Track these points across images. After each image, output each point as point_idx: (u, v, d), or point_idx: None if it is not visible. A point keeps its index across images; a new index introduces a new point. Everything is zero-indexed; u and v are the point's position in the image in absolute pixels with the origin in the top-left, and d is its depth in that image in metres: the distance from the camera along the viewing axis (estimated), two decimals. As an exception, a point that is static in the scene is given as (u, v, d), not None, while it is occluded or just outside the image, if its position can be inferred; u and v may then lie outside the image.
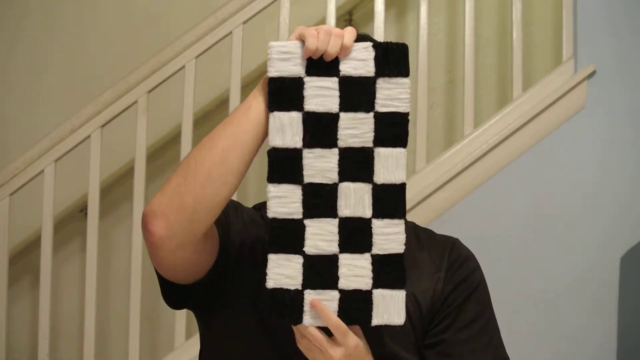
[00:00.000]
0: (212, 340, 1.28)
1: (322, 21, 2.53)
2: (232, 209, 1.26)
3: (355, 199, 1.09)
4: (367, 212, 1.09)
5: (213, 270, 1.19)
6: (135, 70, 2.48)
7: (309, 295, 1.07)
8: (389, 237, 1.09)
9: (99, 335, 2.50)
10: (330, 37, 1.07)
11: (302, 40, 1.08)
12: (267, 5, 2.47)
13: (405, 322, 1.16)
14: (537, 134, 2.42)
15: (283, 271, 1.07)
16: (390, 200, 1.09)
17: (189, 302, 1.25)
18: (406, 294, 1.16)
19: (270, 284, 1.07)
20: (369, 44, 1.09)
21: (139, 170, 2.46)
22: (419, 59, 2.48)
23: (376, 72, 1.09)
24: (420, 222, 1.36)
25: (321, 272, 1.08)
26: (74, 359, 2.84)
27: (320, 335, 1.07)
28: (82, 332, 2.48)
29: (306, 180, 1.08)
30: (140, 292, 2.43)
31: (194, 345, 2.33)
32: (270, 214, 1.08)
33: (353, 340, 1.08)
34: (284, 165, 1.08)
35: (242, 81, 2.47)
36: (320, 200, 1.08)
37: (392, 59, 1.10)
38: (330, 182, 1.09)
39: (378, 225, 1.09)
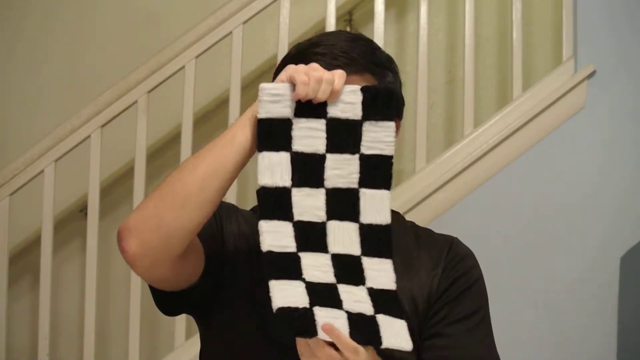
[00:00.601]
0: (212, 340, 1.28)
1: (322, 21, 2.53)
2: (225, 210, 1.26)
3: (343, 237, 1.10)
4: (356, 250, 1.10)
5: (206, 274, 1.19)
6: (135, 70, 2.48)
7: (319, 312, 1.05)
8: (379, 273, 1.10)
9: (99, 335, 2.50)
10: (321, 84, 1.08)
11: (293, 83, 1.08)
12: (267, 5, 2.47)
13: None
14: (537, 134, 2.42)
15: (287, 293, 1.06)
16: (376, 240, 1.10)
17: (184, 308, 1.25)
18: (404, 293, 1.16)
19: (279, 303, 1.05)
20: (357, 87, 1.11)
21: (139, 170, 2.46)
22: (419, 59, 2.48)
23: (363, 116, 1.10)
24: (420, 222, 1.36)
25: (324, 295, 1.07)
26: (74, 359, 2.84)
27: (337, 355, 1.05)
28: (82, 332, 2.48)
29: (296, 217, 1.09)
30: (140, 292, 2.43)
31: (194, 345, 2.33)
32: (265, 247, 1.07)
33: (363, 354, 1.07)
34: (274, 203, 1.09)
35: (242, 81, 2.47)
36: (311, 237, 1.09)
37: (379, 103, 1.11)
38: (319, 221, 1.10)
39: (367, 262, 1.10)
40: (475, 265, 1.26)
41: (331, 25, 2.46)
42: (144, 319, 2.51)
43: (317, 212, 1.10)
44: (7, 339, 2.50)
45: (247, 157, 1.11)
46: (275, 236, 1.08)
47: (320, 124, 1.10)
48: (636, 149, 2.41)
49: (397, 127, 1.26)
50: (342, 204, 1.10)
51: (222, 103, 2.84)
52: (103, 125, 2.48)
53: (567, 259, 2.36)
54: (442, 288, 1.21)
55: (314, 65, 1.09)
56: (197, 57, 2.47)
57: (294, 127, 1.09)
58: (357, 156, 1.10)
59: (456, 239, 1.29)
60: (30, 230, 2.87)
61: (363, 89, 1.10)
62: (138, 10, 3.03)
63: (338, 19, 2.64)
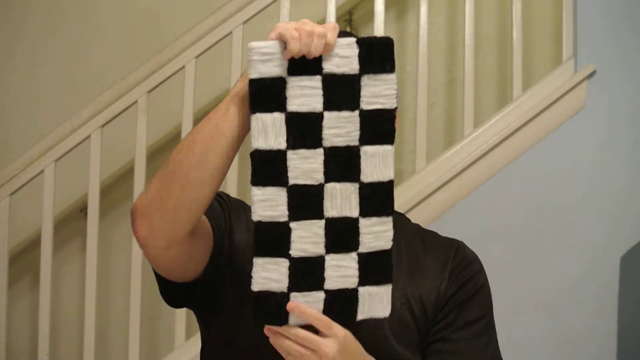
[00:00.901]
0: (212, 340, 1.28)
1: (322, 21, 2.52)
2: (234, 205, 1.25)
3: (341, 200, 1.07)
4: (354, 212, 1.07)
5: (209, 269, 1.19)
6: (135, 70, 2.48)
7: (295, 298, 1.06)
8: (376, 235, 1.08)
9: (99, 335, 2.50)
10: (313, 38, 1.03)
11: (283, 41, 1.05)
12: (267, 5, 2.47)
13: (409, 322, 1.16)
14: (537, 134, 2.42)
15: (269, 275, 1.06)
16: (377, 199, 1.07)
17: (188, 301, 1.25)
18: (412, 296, 1.17)
19: (256, 287, 1.06)
20: (353, 40, 1.06)
21: (139, 170, 2.46)
22: (419, 59, 2.48)
23: (360, 70, 1.06)
24: (420, 222, 1.36)
25: (307, 274, 1.06)
26: (74, 359, 2.84)
27: (308, 333, 1.05)
28: (82, 332, 2.48)
29: (291, 182, 1.06)
30: (140, 292, 2.43)
31: (194, 345, 2.33)
32: (255, 217, 1.06)
33: (340, 330, 1.07)
34: (267, 168, 1.05)
35: (242, 81, 2.47)
36: (306, 202, 1.06)
37: (377, 55, 1.06)
38: (315, 183, 1.06)
39: (365, 224, 1.08)
40: (481, 270, 1.27)
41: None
42: (144, 318, 2.51)
43: (314, 174, 1.06)
44: (7, 339, 2.50)
45: (244, 132, 1.09)
46: (268, 204, 1.05)
47: (315, 81, 1.05)
48: (636, 148, 2.41)
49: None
50: (342, 164, 1.07)
51: (222, 103, 2.83)
52: (103, 125, 2.48)
53: (567, 259, 2.36)
54: (449, 293, 1.22)
55: (305, 20, 1.06)
56: (197, 57, 2.47)
57: (287, 86, 1.05)
58: (356, 113, 1.06)
59: (462, 242, 1.29)
60: (30, 230, 2.87)
61: (359, 41, 1.06)
62: (138, 10, 3.03)
63: (338, 19, 2.64)
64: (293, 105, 1.05)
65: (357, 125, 1.06)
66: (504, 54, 2.79)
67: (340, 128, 1.06)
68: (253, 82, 1.04)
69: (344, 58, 1.06)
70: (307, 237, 1.07)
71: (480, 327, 1.22)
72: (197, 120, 2.56)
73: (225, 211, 1.23)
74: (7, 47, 3.04)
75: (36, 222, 2.59)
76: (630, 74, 2.44)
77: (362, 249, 1.08)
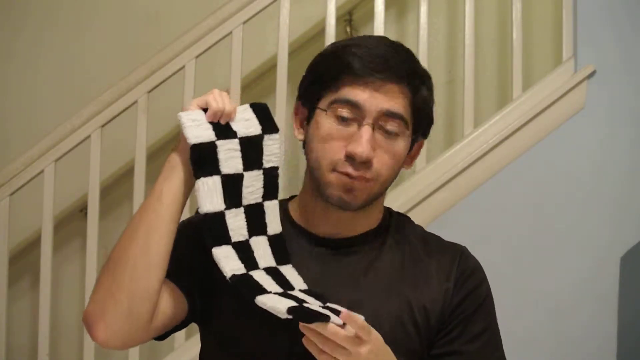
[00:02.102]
0: (212, 340, 1.28)
1: (322, 21, 2.53)
2: (185, 237, 1.23)
3: (264, 251, 1.17)
4: (273, 262, 1.18)
5: (193, 307, 1.21)
6: (135, 70, 2.48)
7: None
8: (291, 277, 1.18)
9: (99, 335, 2.49)
10: (223, 96, 1.15)
11: (203, 108, 1.15)
12: (267, 5, 2.47)
13: (411, 331, 1.18)
14: (537, 134, 2.42)
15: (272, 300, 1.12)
16: (280, 249, 1.18)
17: (178, 329, 1.26)
18: (416, 306, 1.19)
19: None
20: (247, 105, 1.18)
21: (139, 170, 2.46)
22: (419, 59, 2.46)
23: (262, 130, 1.17)
24: (420, 222, 1.36)
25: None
26: (74, 359, 2.84)
27: (346, 334, 1.06)
28: (82, 332, 2.48)
29: (232, 239, 1.15)
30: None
31: (194, 345, 2.33)
32: (228, 273, 1.12)
33: (374, 333, 1.09)
34: (217, 230, 1.14)
35: (242, 81, 2.47)
36: (246, 256, 1.15)
37: (267, 116, 1.18)
38: (244, 239, 1.16)
39: (284, 270, 1.18)
40: (484, 278, 1.27)
41: (331, 25, 2.46)
42: (144, 319, 2.51)
43: (241, 231, 1.15)
44: (7, 339, 2.50)
45: (181, 205, 1.15)
46: (229, 261, 1.13)
47: (235, 144, 1.15)
48: (636, 148, 2.41)
49: (421, 145, 1.28)
50: (255, 220, 1.17)
51: (222, 103, 2.83)
52: (103, 125, 2.48)
53: (567, 259, 2.36)
54: (454, 303, 1.22)
55: (214, 90, 1.17)
56: (197, 57, 2.47)
57: (218, 149, 1.13)
58: (261, 171, 1.17)
59: (465, 248, 1.29)
60: (30, 230, 2.87)
61: (251, 105, 1.18)
62: (138, 10, 3.03)
63: (338, 19, 2.64)
64: (225, 168, 1.14)
65: (262, 182, 1.17)
66: (504, 54, 2.79)
67: (253, 186, 1.17)
68: (194, 148, 1.13)
69: (248, 121, 1.17)
70: (266, 280, 1.16)
71: (487, 337, 1.23)
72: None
73: (193, 249, 1.22)
74: (7, 46, 3.04)
75: (36, 222, 2.59)
76: (630, 74, 2.44)
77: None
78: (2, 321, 2.48)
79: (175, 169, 1.15)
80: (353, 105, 1.17)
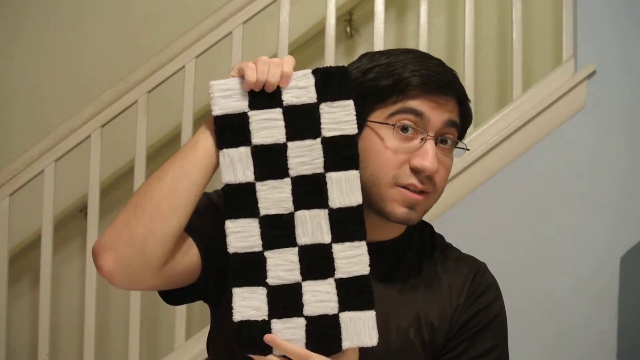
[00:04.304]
0: (223, 319, 1.26)
1: (322, 21, 2.53)
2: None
3: (312, 226, 1.09)
4: (327, 238, 1.09)
5: (207, 270, 1.18)
6: (135, 70, 2.48)
7: (276, 325, 1.08)
8: (351, 260, 1.09)
9: (99, 335, 2.50)
10: (269, 66, 1.08)
11: (242, 76, 1.09)
12: (267, 5, 2.47)
13: (417, 347, 1.17)
14: (537, 134, 2.42)
15: (248, 303, 1.08)
16: (348, 224, 1.09)
17: (188, 299, 1.23)
18: (424, 321, 1.17)
19: (237, 317, 1.08)
20: (308, 70, 1.10)
21: (139, 170, 2.46)
22: (419, 59, 2.48)
23: (318, 98, 1.09)
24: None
25: (285, 301, 1.08)
26: (74, 359, 2.84)
27: None
28: (82, 332, 2.48)
29: (262, 212, 1.09)
30: (140, 292, 2.42)
31: (194, 345, 2.33)
32: (231, 249, 1.09)
33: (316, 357, 1.08)
34: (238, 200, 1.09)
35: (242, 81, 2.47)
36: (278, 231, 1.09)
37: (333, 83, 1.09)
38: (286, 212, 1.09)
39: (338, 249, 1.09)
40: (497, 296, 1.25)
41: (331, 25, 2.46)
42: (144, 318, 2.51)
43: (283, 204, 1.09)
44: (7, 339, 2.50)
45: (213, 163, 1.11)
46: (241, 236, 1.09)
47: (276, 114, 1.09)
48: (636, 148, 2.41)
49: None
50: (309, 192, 1.09)
51: (222, 103, 2.83)
52: (103, 125, 2.48)
53: (567, 259, 2.36)
54: (462, 320, 1.21)
55: (262, 57, 1.10)
56: (197, 57, 2.47)
57: (250, 120, 1.09)
58: (318, 140, 1.09)
59: (482, 265, 1.28)
60: (30, 230, 2.87)
61: (314, 71, 1.10)
62: (138, 10, 3.03)
63: (338, 19, 2.64)
64: (257, 138, 1.09)
65: (321, 152, 1.09)
66: (504, 54, 2.79)
67: (305, 156, 1.09)
68: (218, 119, 1.09)
69: (302, 89, 1.10)
70: (283, 265, 1.09)
71: (493, 356, 1.22)
72: (197, 120, 2.56)
73: (217, 212, 1.21)
74: (6, 46, 3.04)
75: (36, 222, 2.59)
76: (630, 74, 2.44)
77: (339, 274, 1.09)
78: (2, 321, 2.48)
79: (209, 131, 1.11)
80: (419, 115, 1.15)
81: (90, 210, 2.48)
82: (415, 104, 1.15)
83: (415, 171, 1.15)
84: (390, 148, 1.15)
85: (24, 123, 3.01)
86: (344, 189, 1.09)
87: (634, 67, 2.44)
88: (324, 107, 1.09)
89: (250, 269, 1.09)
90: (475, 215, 2.38)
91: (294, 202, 1.09)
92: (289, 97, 1.09)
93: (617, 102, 2.43)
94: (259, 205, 1.09)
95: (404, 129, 1.15)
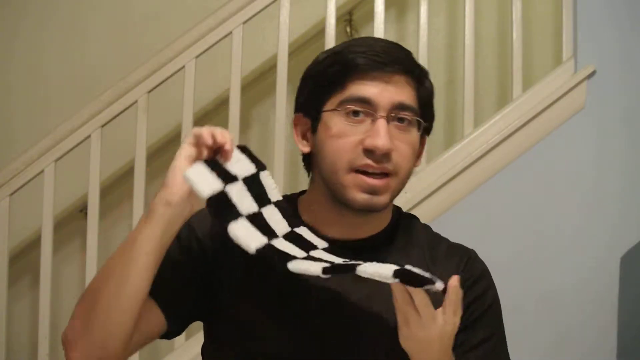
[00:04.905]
0: (216, 341, 1.27)
1: (322, 21, 2.53)
2: (185, 242, 1.23)
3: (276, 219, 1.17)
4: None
5: (174, 325, 1.19)
6: (135, 70, 2.48)
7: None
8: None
9: (99, 335, 2.49)
10: (213, 130, 1.10)
11: (200, 159, 1.10)
12: (267, 5, 2.47)
13: None
14: (537, 134, 2.42)
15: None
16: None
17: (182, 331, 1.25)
18: None
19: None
20: (235, 147, 1.14)
21: (139, 170, 2.46)
22: (419, 59, 2.47)
23: (256, 167, 1.15)
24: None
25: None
26: (74, 359, 2.83)
27: (430, 302, 1.07)
28: (82, 332, 2.48)
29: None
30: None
31: (194, 345, 2.33)
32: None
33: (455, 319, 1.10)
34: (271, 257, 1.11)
35: (242, 81, 2.47)
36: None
37: (252, 155, 1.16)
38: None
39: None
40: (490, 284, 1.24)
41: (331, 25, 2.46)
42: (144, 319, 2.51)
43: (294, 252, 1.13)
44: (7, 339, 2.50)
45: (159, 248, 1.10)
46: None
47: (242, 185, 1.12)
48: (636, 148, 2.41)
49: (424, 143, 1.27)
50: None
51: (222, 103, 2.84)
52: (103, 125, 2.48)
53: (567, 259, 2.36)
54: None
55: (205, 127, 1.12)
56: (197, 57, 2.47)
57: (230, 196, 1.11)
58: (273, 205, 1.16)
59: (473, 253, 1.26)
60: (30, 230, 2.87)
61: (237, 146, 1.14)
62: (137, 10, 3.03)
63: (338, 19, 2.64)
64: (244, 210, 1.11)
65: (280, 215, 1.16)
66: (504, 54, 2.79)
67: (274, 221, 1.15)
68: (210, 201, 1.09)
69: (241, 161, 1.14)
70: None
71: (491, 345, 1.21)
72: (197, 121, 2.56)
73: (189, 250, 1.21)
74: (6, 46, 3.04)
75: (36, 222, 2.59)
76: (630, 74, 2.44)
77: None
78: (2, 321, 2.48)
79: (155, 215, 1.09)
80: (364, 101, 1.15)
81: (90, 210, 2.48)
82: (362, 89, 1.16)
83: (370, 151, 1.14)
84: (343, 133, 1.16)
85: (24, 123, 3.00)
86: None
87: (634, 67, 2.44)
88: (262, 175, 1.16)
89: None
90: (475, 215, 2.38)
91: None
92: (237, 170, 1.13)
93: (617, 102, 2.43)
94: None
95: (355, 113, 1.16)
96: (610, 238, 2.36)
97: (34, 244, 2.80)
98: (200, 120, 2.80)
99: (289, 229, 1.16)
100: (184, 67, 2.47)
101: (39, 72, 3.03)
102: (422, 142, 1.26)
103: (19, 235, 2.85)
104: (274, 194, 1.17)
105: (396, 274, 1.03)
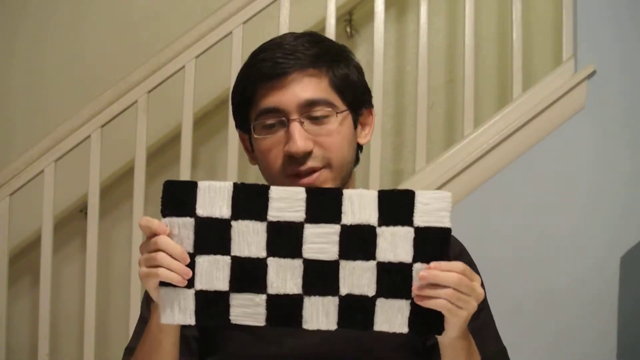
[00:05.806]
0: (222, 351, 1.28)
1: (322, 21, 2.53)
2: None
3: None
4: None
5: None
6: (135, 70, 2.48)
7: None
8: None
9: (98, 334, 2.50)
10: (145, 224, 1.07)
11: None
12: (267, 5, 2.47)
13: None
14: (537, 134, 2.42)
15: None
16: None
17: None
18: None
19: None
20: (166, 220, 1.09)
21: (139, 170, 2.46)
22: (419, 59, 2.48)
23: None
24: (420, 222, 1.36)
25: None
26: (74, 358, 2.84)
27: (466, 279, 1.03)
28: (82, 332, 2.48)
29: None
30: (140, 292, 2.42)
31: (194, 345, 2.33)
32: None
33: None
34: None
35: (242, 81, 2.47)
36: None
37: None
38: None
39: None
40: (470, 261, 1.26)
41: (331, 25, 2.46)
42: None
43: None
44: (7, 339, 2.50)
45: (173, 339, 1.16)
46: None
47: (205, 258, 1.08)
48: (636, 148, 2.41)
49: (371, 114, 1.28)
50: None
51: (222, 103, 2.84)
52: (103, 125, 2.48)
53: (567, 259, 2.36)
54: None
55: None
56: (197, 57, 2.47)
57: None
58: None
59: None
60: (30, 230, 2.87)
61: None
62: (138, 10, 3.03)
63: (338, 19, 2.64)
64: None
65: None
66: (504, 54, 2.79)
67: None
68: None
69: (176, 236, 1.07)
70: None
71: (483, 318, 1.22)
72: (197, 121, 2.56)
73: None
74: (6, 46, 3.04)
75: (36, 222, 2.59)
76: (630, 73, 2.43)
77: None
78: (2, 321, 2.48)
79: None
80: (272, 111, 1.19)
81: (90, 210, 2.48)
82: (268, 100, 1.19)
83: (291, 157, 1.17)
84: (267, 147, 1.20)
85: (24, 123, 3.01)
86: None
87: (634, 67, 2.44)
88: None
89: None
90: (475, 215, 2.38)
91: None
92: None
93: (617, 102, 2.43)
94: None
95: (269, 126, 1.20)
96: (610, 238, 2.36)
97: (34, 244, 2.80)
98: (201, 120, 2.80)
99: (265, 222, 1.06)
100: (184, 67, 2.47)
101: (39, 72, 3.03)
102: (364, 118, 1.27)
103: (19, 235, 2.85)
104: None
105: (380, 196, 1.02)
